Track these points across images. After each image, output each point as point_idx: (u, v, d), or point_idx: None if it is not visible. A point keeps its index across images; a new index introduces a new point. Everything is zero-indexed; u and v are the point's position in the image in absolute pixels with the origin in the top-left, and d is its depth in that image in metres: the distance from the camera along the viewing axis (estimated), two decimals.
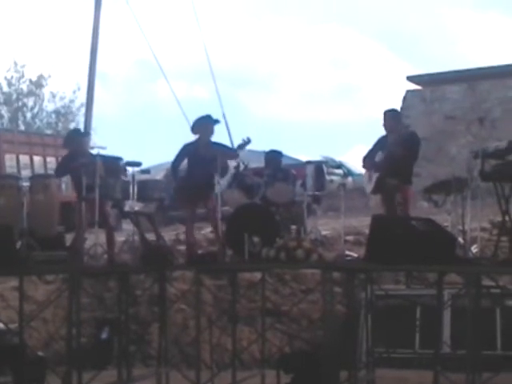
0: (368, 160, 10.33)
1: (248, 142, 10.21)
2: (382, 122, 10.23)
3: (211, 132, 10.34)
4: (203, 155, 10.19)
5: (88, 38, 23.65)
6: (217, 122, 10.48)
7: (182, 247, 12.45)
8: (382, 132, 10.38)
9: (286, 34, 68.19)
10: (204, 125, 10.33)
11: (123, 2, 26.97)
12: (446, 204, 9.70)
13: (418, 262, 8.36)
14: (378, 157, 10.22)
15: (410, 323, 11.09)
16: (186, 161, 10.51)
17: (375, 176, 10.14)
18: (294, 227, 11.23)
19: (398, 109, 10.41)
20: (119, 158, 10.84)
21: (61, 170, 10.97)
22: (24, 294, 10.87)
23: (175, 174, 10.62)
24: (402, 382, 10.17)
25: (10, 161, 19.70)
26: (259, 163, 12.19)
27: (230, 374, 10.26)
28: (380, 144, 10.28)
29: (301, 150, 63.67)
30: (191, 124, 10.51)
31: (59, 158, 20.47)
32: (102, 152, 10.92)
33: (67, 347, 9.65)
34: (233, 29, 64.36)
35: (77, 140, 10.83)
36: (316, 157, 23.21)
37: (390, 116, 10.31)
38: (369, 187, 10.29)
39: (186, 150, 10.43)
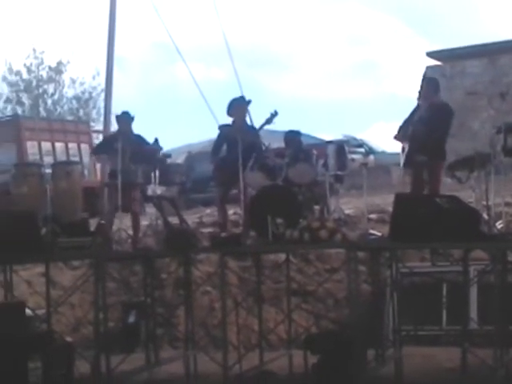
0: (402, 131, 10.19)
1: (275, 114, 10.40)
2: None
3: (244, 113, 10.77)
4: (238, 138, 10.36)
5: (105, 22, 23.49)
6: (249, 102, 10.87)
7: (206, 230, 12.49)
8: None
9: (302, 12, 67.74)
10: (236, 107, 10.71)
11: None
12: (470, 180, 9.61)
13: (443, 239, 8.33)
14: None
15: (436, 300, 11.04)
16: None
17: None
18: (316, 207, 11.19)
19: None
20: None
21: (101, 148, 11.03)
22: (51, 280, 11.00)
23: (214, 156, 10.87)
24: (429, 359, 10.14)
25: (32, 148, 19.73)
26: (280, 144, 12.14)
27: (257, 354, 10.30)
28: (413, 114, 10.15)
29: (322, 128, 63.29)
30: (227, 107, 10.84)
31: (81, 144, 20.72)
32: None
33: (95, 332, 9.72)
34: (249, 8, 64.00)
35: (127, 122, 10.94)
36: (337, 135, 23.13)
37: (427, 82, 10.19)
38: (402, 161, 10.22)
39: (223, 133, 10.78)
